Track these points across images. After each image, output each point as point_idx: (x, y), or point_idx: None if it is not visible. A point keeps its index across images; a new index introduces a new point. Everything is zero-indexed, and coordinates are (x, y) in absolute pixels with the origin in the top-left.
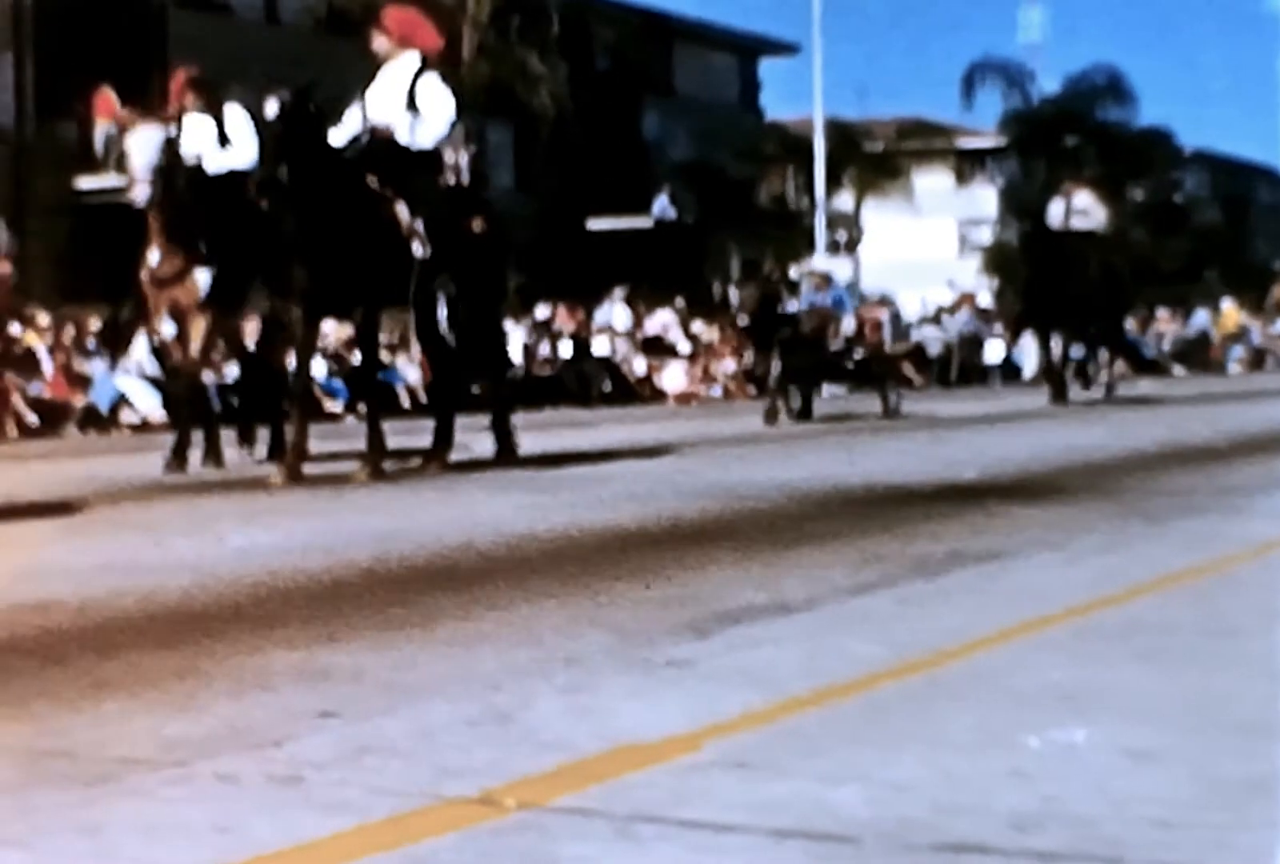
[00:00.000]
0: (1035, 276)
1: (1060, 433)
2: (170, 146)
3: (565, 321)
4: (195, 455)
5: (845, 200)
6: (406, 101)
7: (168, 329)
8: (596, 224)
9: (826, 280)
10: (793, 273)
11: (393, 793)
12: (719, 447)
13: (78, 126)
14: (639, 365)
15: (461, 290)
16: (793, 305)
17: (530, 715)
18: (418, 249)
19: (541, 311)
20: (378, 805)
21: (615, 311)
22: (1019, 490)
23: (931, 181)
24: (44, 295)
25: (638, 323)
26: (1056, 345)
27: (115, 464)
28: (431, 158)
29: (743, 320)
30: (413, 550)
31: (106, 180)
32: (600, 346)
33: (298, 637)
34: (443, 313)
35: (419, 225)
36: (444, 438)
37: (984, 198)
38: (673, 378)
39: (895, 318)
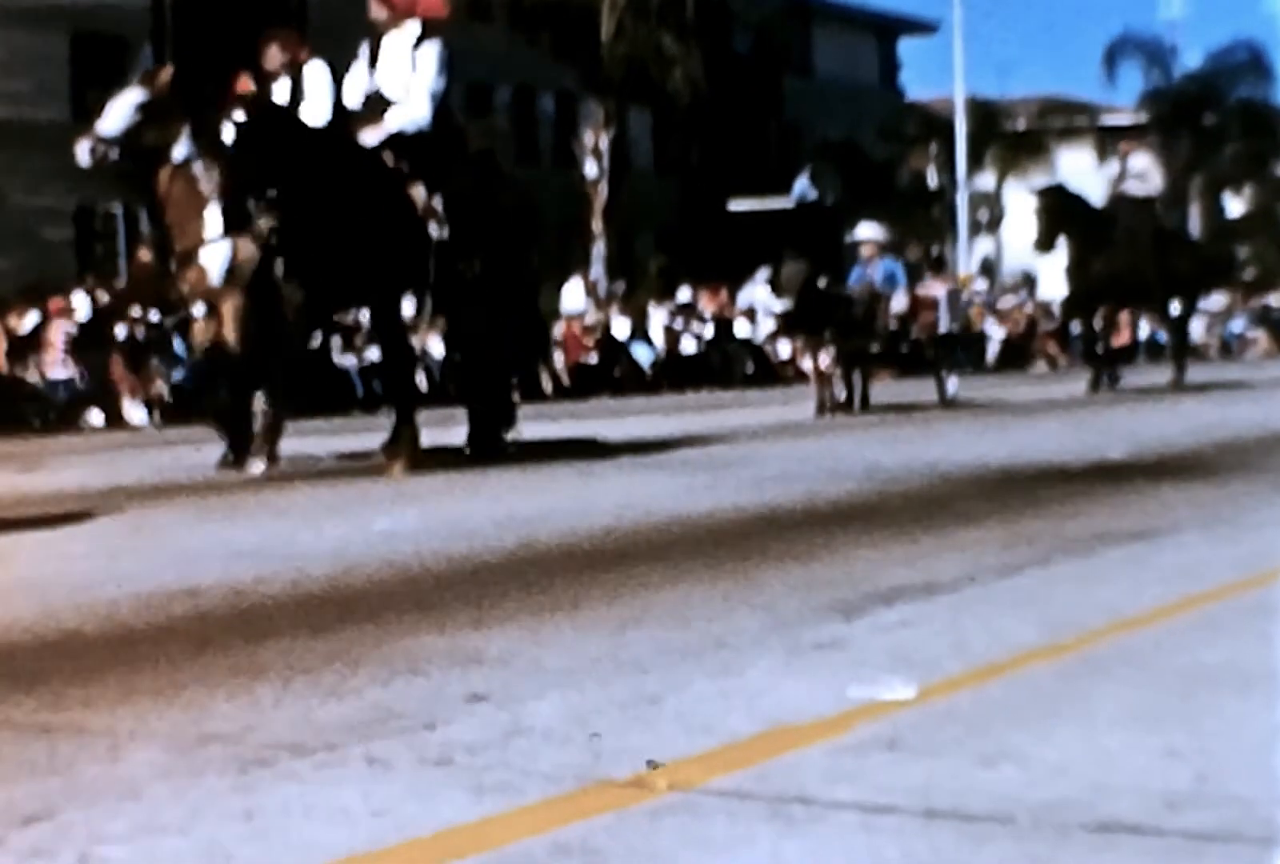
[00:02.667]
0: (1077, 253)
1: (1202, 411)
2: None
3: (708, 303)
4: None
5: (987, 179)
6: (408, 72)
7: (197, 310)
8: (738, 205)
9: (879, 249)
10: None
11: (544, 776)
12: (860, 427)
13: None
14: (782, 347)
15: (488, 271)
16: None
17: (680, 698)
18: (435, 229)
19: (684, 294)
20: (529, 788)
21: (758, 293)
22: (1166, 469)
23: (1073, 159)
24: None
25: None
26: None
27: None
28: (449, 132)
29: (783, 304)
30: (557, 533)
31: None
32: (743, 328)
33: (447, 620)
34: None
35: (437, 203)
36: (406, 435)
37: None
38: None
39: (954, 296)
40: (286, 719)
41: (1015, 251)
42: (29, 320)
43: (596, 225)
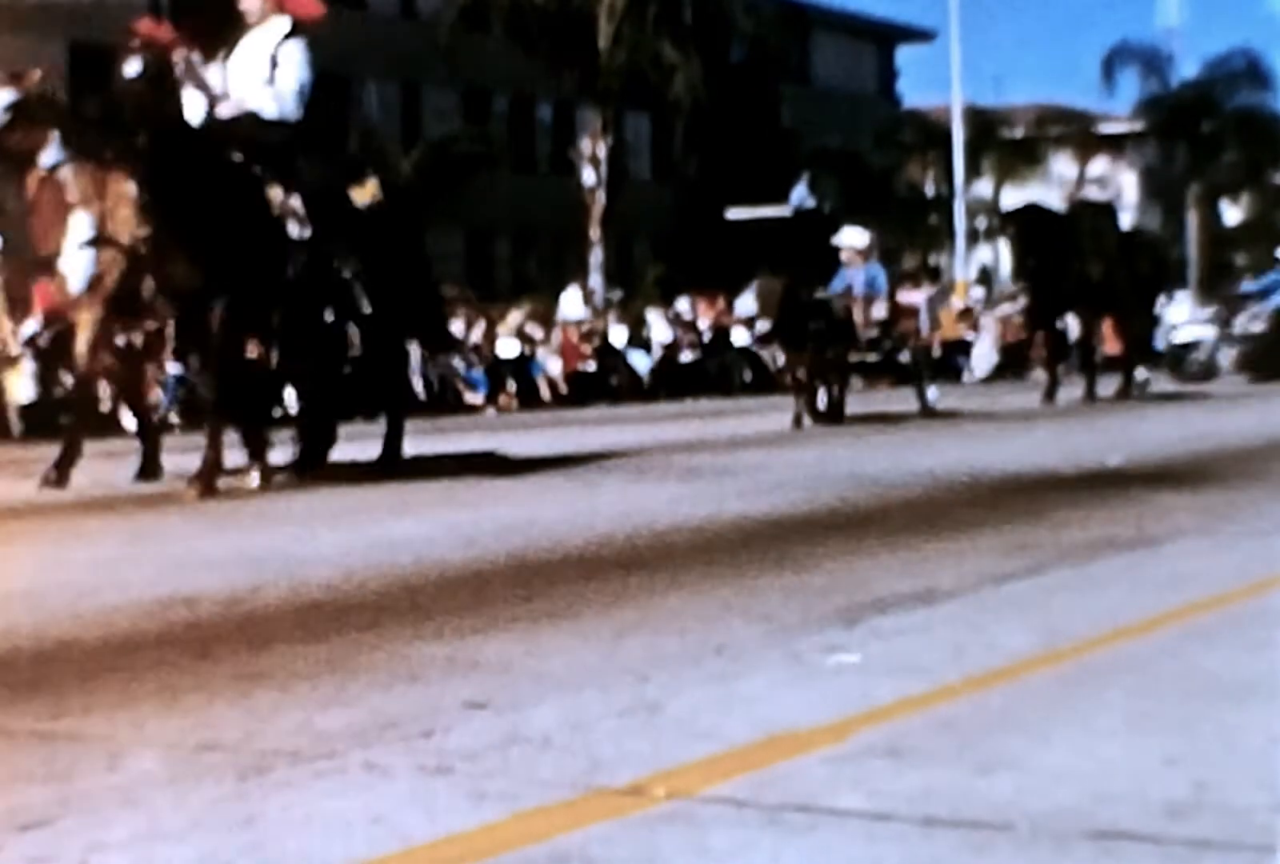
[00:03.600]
0: (1039, 263)
1: (1201, 418)
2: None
3: (705, 312)
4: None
5: (984, 187)
6: (268, 69)
7: (31, 326)
8: (735, 213)
9: (861, 255)
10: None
11: (543, 783)
12: (860, 435)
13: None
14: (779, 355)
15: (362, 271)
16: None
17: (680, 705)
18: (295, 229)
19: (682, 303)
20: (528, 796)
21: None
22: (1164, 476)
23: (1071, 167)
24: None
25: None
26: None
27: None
28: (308, 129)
29: (762, 326)
30: (557, 540)
31: None
32: (740, 337)
33: (445, 628)
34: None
35: (295, 203)
36: (318, 445)
37: (1123, 183)
38: None
39: (933, 302)
40: (285, 727)
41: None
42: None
43: (594, 233)
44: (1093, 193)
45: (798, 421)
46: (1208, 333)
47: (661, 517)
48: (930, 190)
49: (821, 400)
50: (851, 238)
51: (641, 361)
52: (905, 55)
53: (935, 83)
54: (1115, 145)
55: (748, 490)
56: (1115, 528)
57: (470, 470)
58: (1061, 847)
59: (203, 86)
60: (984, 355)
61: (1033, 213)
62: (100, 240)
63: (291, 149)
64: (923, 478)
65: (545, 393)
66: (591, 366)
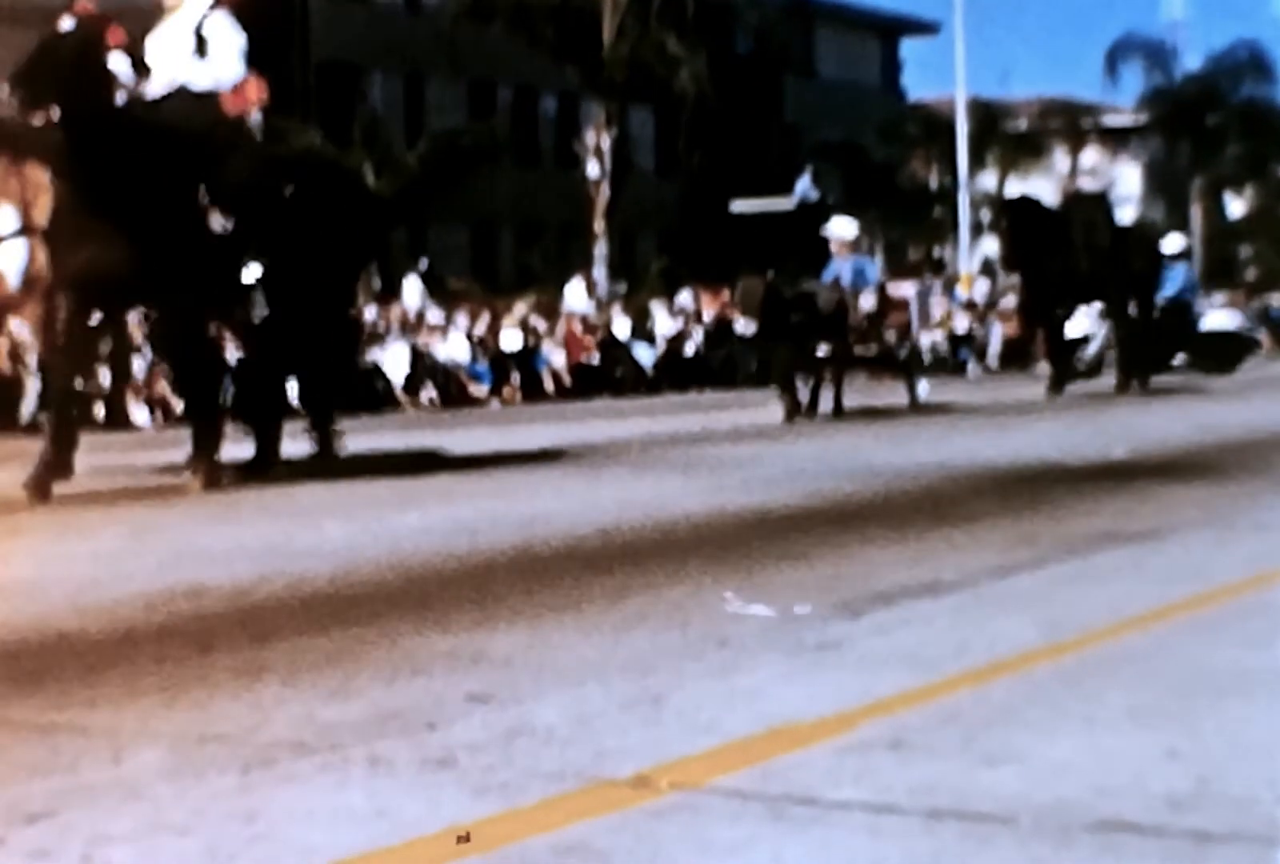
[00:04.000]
0: (1030, 256)
1: (1205, 411)
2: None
3: (708, 304)
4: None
5: (988, 180)
6: (194, 47)
7: None
8: (739, 206)
9: (849, 246)
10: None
11: (546, 776)
12: (863, 427)
13: None
14: None
15: (276, 268)
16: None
17: (683, 697)
18: (217, 223)
19: (685, 295)
20: (531, 788)
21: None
22: (1168, 469)
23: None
24: None
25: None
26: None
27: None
28: (227, 117)
29: (747, 327)
30: (560, 533)
31: None
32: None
33: (449, 621)
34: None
35: (214, 196)
36: (207, 446)
37: (1127, 176)
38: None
39: (924, 295)
40: (289, 719)
41: None
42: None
43: (598, 226)
44: (1086, 184)
45: (789, 417)
46: (1097, 328)
47: (664, 509)
48: (934, 183)
49: (804, 395)
50: (839, 228)
51: (645, 354)
52: (909, 48)
53: (939, 76)
54: (1119, 138)
55: (751, 483)
56: (1119, 521)
57: (472, 463)
58: (1064, 839)
59: (138, 63)
60: (991, 348)
61: (1026, 205)
62: (25, 230)
63: (212, 134)
64: (927, 470)
65: (549, 385)
66: (595, 359)
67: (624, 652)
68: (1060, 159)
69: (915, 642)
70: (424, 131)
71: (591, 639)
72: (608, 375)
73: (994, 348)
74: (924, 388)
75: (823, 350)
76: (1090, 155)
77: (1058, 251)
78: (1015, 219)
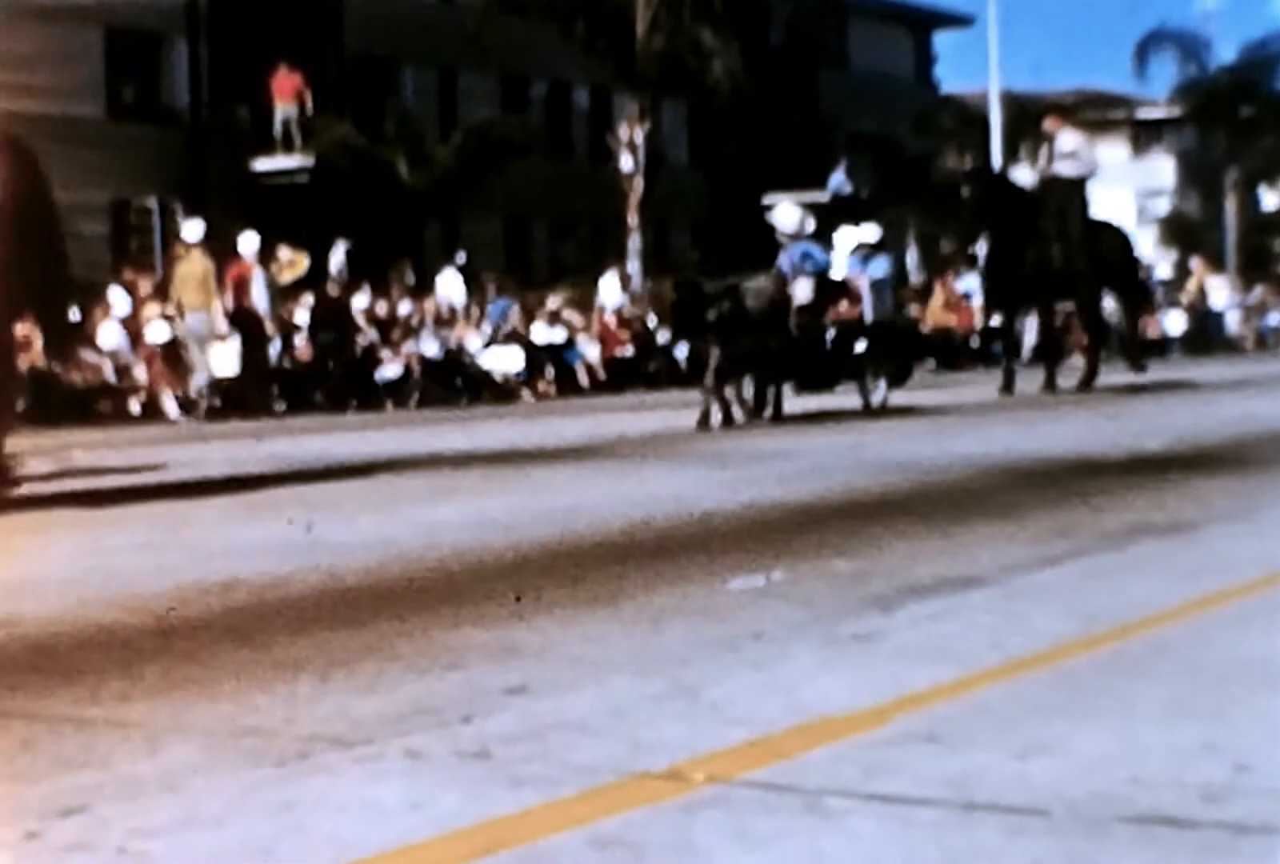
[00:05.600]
0: (1001, 241)
1: (1237, 404)
2: None
3: None
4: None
5: (1022, 173)
6: None
7: None
8: (773, 199)
9: (792, 231)
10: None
11: (582, 769)
12: (897, 420)
13: (252, 109)
14: None
15: None
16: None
17: (718, 690)
18: None
19: None
20: (567, 781)
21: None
22: (1202, 461)
23: (1108, 152)
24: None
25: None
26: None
27: (294, 443)
28: None
29: (662, 335)
30: (595, 526)
31: (281, 162)
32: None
33: (484, 613)
34: None
35: None
36: None
37: (1161, 168)
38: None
39: (881, 285)
40: (324, 713)
41: None
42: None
43: (632, 219)
44: (1065, 168)
45: (703, 421)
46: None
47: (699, 502)
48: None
49: (733, 397)
50: (780, 215)
51: (680, 348)
52: (942, 41)
53: (973, 68)
54: (1153, 130)
55: (785, 476)
56: (1153, 513)
57: (506, 457)
58: (1100, 832)
59: None
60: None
61: (988, 176)
62: None
63: None
64: (959, 463)
65: (583, 379)
66: (630, 352)
67: (658, 644)
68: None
69: (949, 635)
70: (457, 125)
71: (627, 631)
72: (642, 369)
73: (1028, 341)
74: (882, 389)
75: (753, 347)
76: (1069, 137)
77: (1028, 238)
78: (978, 190)
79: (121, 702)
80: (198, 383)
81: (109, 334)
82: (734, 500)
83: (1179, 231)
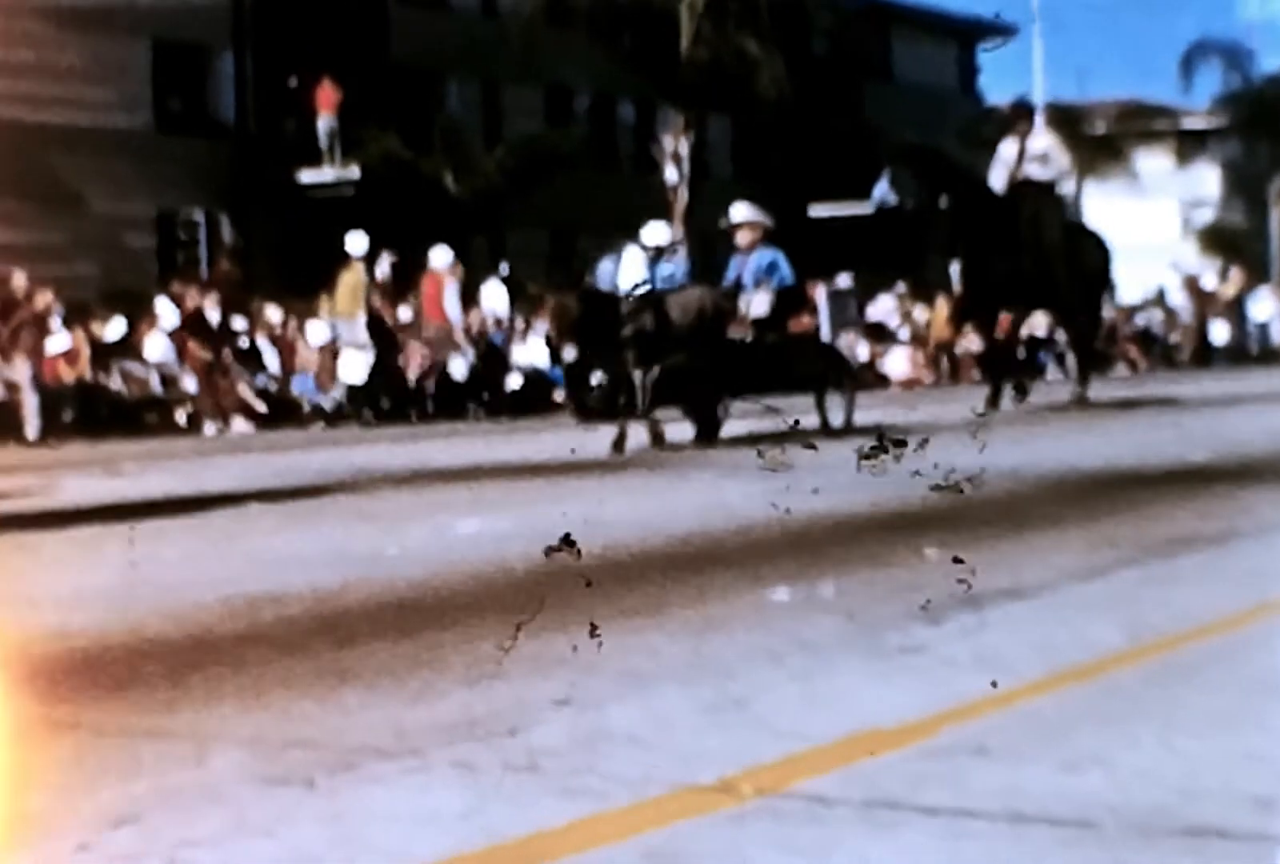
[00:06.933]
0: (971, 249)
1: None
2: None
3: None
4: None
5: (1066, 183)
6: None
7: None
8: (818, 211)
9: (759, 236)
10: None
11: (630, 780)
12: (943, 431)
13: (298, 121)
14: (862, 351)
15: None
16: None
17: (765, 702)
18: None
19: None
20: (615, 793)
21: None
22: (1248, 473)
23: (1152, 163)
24: (268, 289)
25: (860, 309)
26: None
27: (341, 455)
28: None
29: (568, 354)
30: (640, 537)
31: (327, 173)
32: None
33: (530, 625)
34: None
35: None
36: None
37: (1206, 178)
38: (896, 363)
39: (838, 296)
40: (372, 723)
41: None
42: (114, 327)
43: (676, 231)
44: (1034, 171)
45: (618, 444)
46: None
47: (747, 512)
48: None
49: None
50: (742, 213)
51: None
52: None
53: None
54: (1197, 141)
55: (833, 486)
56: (1200, 524)
57: (550, 468)
58: (1149, 843)
59: None
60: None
61: (933, 156)
62: None
63: None
64: (997, 475)
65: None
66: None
67: (706, 655)
68: (1141, 162)
69: (997, 646)
70: (502, 137)
71: (674, 643)
72: None
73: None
74: (841, 409)
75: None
76: (1040, 139)
77: (1000, 244)
78: (923, 166)
79: (170, 712)
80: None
81: (155, 346)
82: (782, 510)
83: (1222, 241)
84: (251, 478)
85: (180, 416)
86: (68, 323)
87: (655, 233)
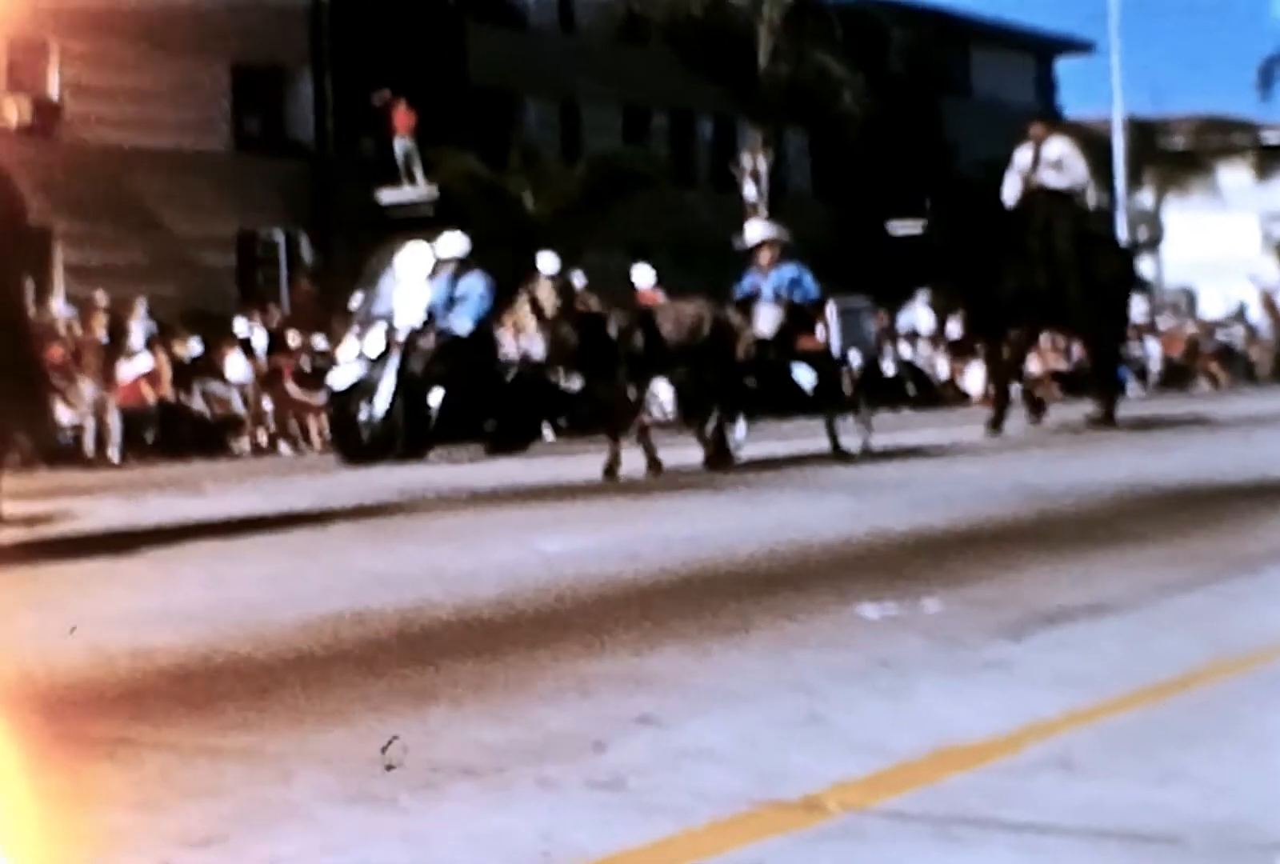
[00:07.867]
0: (983, 259)
1: None
2: None
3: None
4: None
5: (1146, 198)
6: None
7: None
8: (896, 227)
9: (777, 252)
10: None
11: (714, 798)
12: (1022, 447)
13: (376, 141)
14: (942, 368)
15: None
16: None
17: (848, 718)
18: None
19: None
20: (699, 811)
21: (918, 315)
22: None
23: (1232, 177)
24: (348, 309)
25: (941, 325)
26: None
27: (421, 474)
28: None
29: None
30: (721, 555)
31: (406, 193)
32: (903, 350)
33: (614, 642)
34: None
35: None
36: None
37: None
38: (975, 379)
39: (849, 313)
40: (455, 742)
41: (1175, 270)
42: (193, 347)
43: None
44: (1050, 178)
45: (610, 470)
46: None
47: (826, 530)
48: (1092, 202)
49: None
50: (758, 231)
51: (805, 376)
52: (1065, 67)
53: (1096, 94)
54: (1278, 155)
55: (914, 503)
56: None
57: (632, 485)
58: (1234, 860)
59: None
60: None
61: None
62: None
63: None
64: (1087, 490)
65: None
66: (752, 382)
67: (789, 672)
68: (1223, 177)
69: (1080, 662)
70: (580, 156)
71: (756, 660)
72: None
73: (1153, 367)
74: (857, 432)
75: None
76: (1055, 145)
77: (1013, 256)
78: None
79: (253, 731)
80: None
81: (235, 366)
82: (861, 528)
83: None
84: (332, 497)
85: (261, 436)
86: (149, 343)
87: (760, 229)
